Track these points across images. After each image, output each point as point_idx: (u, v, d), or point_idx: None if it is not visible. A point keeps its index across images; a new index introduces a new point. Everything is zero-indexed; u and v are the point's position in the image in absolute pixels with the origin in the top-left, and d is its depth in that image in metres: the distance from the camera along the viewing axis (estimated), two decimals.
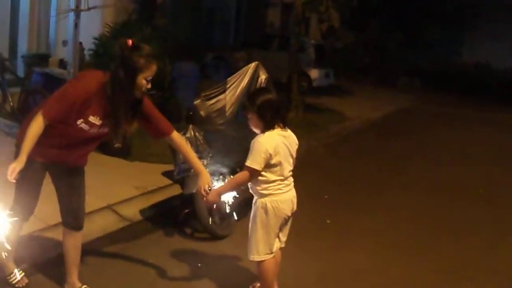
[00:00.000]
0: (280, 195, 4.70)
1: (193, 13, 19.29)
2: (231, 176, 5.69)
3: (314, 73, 20.32)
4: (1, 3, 13.85)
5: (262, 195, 4.69)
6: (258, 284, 5.10)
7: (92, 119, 4.28)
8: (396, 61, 26.19)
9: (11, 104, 10.33)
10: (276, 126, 4.65)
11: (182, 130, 6.30)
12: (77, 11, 9.35)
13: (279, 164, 4.61)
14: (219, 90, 6.97)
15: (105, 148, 9.10)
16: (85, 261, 5.42)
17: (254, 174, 4.58)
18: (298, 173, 4.91)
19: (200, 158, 6.15)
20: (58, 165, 4.60)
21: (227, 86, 6.98)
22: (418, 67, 26.63)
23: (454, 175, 10.75)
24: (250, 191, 4.80)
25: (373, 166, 10.94)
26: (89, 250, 5.80)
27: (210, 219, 6.22)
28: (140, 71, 4.20)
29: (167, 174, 8.03)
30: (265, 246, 4.76)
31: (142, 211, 7.06)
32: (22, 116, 8.77)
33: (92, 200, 6.72)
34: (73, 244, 4.85)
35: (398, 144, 13.48)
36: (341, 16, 25.21)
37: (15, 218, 4.40)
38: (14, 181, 4.08)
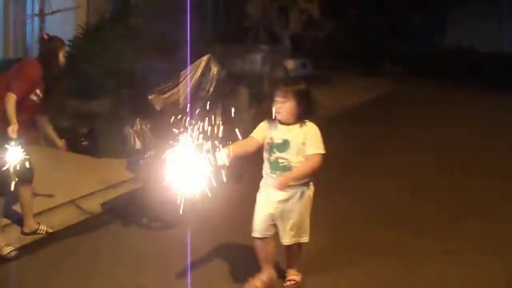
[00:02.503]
0: None
1: (169, 10, 19.43)
2: None
3: (290, 64, 20.46)
4: None
5: (311, 183, 5.07)
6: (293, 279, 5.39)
7: (38, 92, 5.95)
8: (378, 49, 26.22)
9: None
10: (309, 116, 4.96)
11: (129, 123, 6.59)
12: (41, 15, 9.64)
13: None
14: (173, 84, 7.20)
15: (73, 146, 9.39)
16: (43, 253, 5.75)
17: (321, 161, 4.90)
18: None
19: (148, 150, 6.48)
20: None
21: (180, 79, 7.22)
22: (401, 54, 26.65)
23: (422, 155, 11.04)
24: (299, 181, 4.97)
25: (342, 151, 11.15)
26: (48, 242, 6.15)
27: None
28: (60, 50, 6.14)
29: None
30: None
31: (103, 204, 7.37)
32: None
33: (56, 196, 7.09)
34: (29, 194, 6.27)
35: (370, 129, 13.74)
36: (320, 5, 25.50)
37: None
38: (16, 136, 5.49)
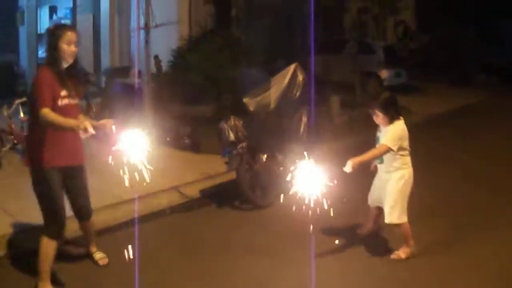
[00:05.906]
0: (411, 167, 6.26)
1: (269, 22, 20.36)
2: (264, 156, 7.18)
3: (384, 73, 21.03)
4: (84, 23, 15.56)
5: (403, 168, 6.19)
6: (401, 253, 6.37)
7: (63, 93, 5.22)
8: (472, 59, 26.16)
9: (94, 111, 11.88)
10: (399, 116, 6.14)
11: (225, 119, 7.70)
12: (146, 28, 10.86)
13: (407, 144, 6.17)
14: (265, 88, 8.20)
15: (176, 143, 10.64)
16: (148, 226, 6.92)
17: (388, 151, 5.99)
18: None
19: (239, 141, 7.57)
20: (69, 167, 5.52)
21: (271, 84, 8.23)
22: (496, 64, 26.54)
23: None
24: (387, 168, 6.19)
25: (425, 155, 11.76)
26: (153, 217, 7.41)
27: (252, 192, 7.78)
28: (59, 38, 5.22)
29: None
30: (405, 211, 6.24)
31: (201, 191, 8.55)
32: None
33: (161, 182, 8.29)
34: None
35: (452, 133, 14.28)
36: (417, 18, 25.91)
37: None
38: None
